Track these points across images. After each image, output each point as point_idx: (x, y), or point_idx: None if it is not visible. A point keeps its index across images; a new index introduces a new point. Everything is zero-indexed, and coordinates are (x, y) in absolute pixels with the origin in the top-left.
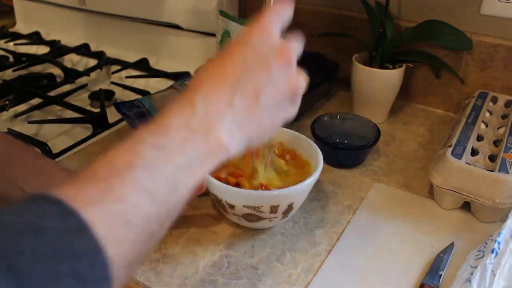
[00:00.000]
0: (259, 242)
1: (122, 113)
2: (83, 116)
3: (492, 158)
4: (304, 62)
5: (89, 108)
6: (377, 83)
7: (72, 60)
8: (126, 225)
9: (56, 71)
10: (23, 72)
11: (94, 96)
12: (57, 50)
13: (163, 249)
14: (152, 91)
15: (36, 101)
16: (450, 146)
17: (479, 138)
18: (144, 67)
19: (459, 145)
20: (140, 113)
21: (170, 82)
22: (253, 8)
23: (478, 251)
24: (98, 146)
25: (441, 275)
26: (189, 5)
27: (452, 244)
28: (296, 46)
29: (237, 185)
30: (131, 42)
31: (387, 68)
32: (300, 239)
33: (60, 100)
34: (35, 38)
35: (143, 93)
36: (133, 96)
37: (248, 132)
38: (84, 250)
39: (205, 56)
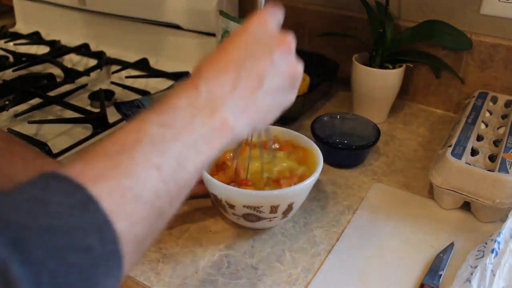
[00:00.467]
0: (259, 242)
1: (122, 113)
2: (83, 116)
3: (492, 158)
4: (304, 62)
5: (89, 108)
6: (377, 83)
7: (72, 60)
8: (135, 200)
9: (56, 71)
10: (23, 72)
11: (94, 96)
12: (57, 50)
13: (163, 249)
14: (152, 91)
15: (36, 101)
16: (450, 146)
17: (479, 138)
18: (144, 67)
19: (459, 145)
20: (140, 113)
21: (170, 82)
22: (253, 8)
23: (478, 251)
24: None
25: (441, 275)
26: (189, 5)
27: (452, 244)
28: (293, 38)
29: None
30: (131, 42)
31: (387, 68)
32: (300, 239)
33: (60, 100)
34: (35, 38)
35: (143, 93)
36: (133, 96)
37: (252, 115)
38: (92, 224)
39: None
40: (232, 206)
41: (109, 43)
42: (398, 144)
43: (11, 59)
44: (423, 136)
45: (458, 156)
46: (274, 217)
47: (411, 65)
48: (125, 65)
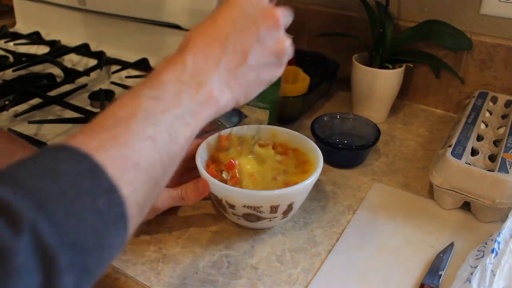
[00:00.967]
0: (259, 242)
1: None
2: (83, 116)
3: (492, 158)
4: (304, 62)
5: (89, 108)
6: (377, 83)
7: (72, 60)
8: (134, 167)
9: (56, 71)
10: (23, 72)
11: (94, 96)
12: (57, 50)
13: (163, 249)
14: None
15: (36, 101)
16: (450, 146)
17: (479, 138)
18: (144, 67)
19: (459, 145)
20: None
21: None
22: None
23: (478, 251)
24: None
25: (441, 275)
26: (189, 5)
27: (452, 244)
28: (284, 13)
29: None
30: (131, 42)
31: (387, 68)
32: (300, 239)
33: (60, 100)
34: (35, 38)
35: None
36: None
37: (236, 89)
38: (100, 189)
39: None
40: (232, 206)
41: (109, 43)
42: (398, 144)
43: (11, 59)
44: (423, 136)
45: (458, 156)
46: (274, 217)
47: (411, 65)
48: (125, 65)
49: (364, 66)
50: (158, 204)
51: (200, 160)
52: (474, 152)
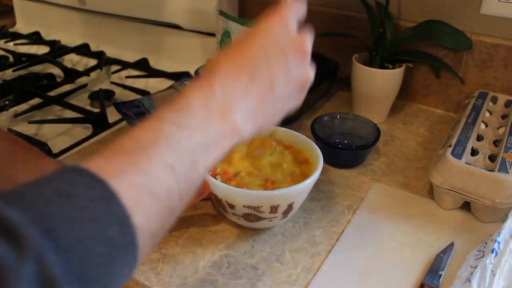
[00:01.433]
0: (259, 242)
1: (122, 113)
2: (83, 116)
3: (492, 158)
4: None
5: (89, 108)
6: (377, 83)
7: (72, 60)
8: (150, 196)
9: (56, 71)
10: (23, 72)
11: (94, 96)
12: (57, 50)
13: (163, 249)
14: (152, 91)
15: (36, 101)
16: (450, 146)
17: (479, 138)
18: (144, 67)
19: (459, 145)
20: (140, 113)
21: (170, 82)
22: (253, 8)
23: (478, 251)
24: (98, 146)
25: (441, 275)
26: (189, 5)
27: (452, 244)
28: (310, 40)
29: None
30: (131, 42)
31: (387, 68)
32: (300, 239)
33: (60, 100)
34: (35, 38)
35: (143, 93)
36: (133, 96)
37: (260, 118)
38: (113, 217)
39: (205, 56)
40: (232, 206)
41: (109, 43)
42: (398, 144)
43: (11, 59)
44: (423, 136)
45: (458, 156)
46: (274, 217)
47: (411, 65)
48: (125, 65)
49: (364, 66)
50: None
51: None
52: (474, 152)
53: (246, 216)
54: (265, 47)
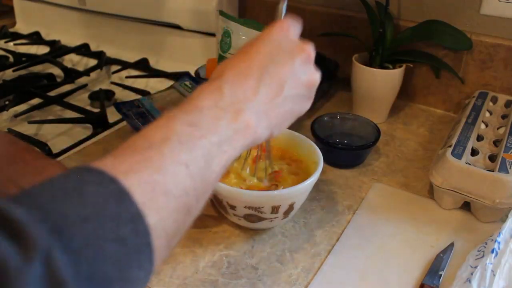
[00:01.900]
0: (259, 242)
1: (122, 113)
2: (83, 116)
3: (492, 158)
4: None
5: (89, 108)
6: (377, 83)
7: (72, 60)
8: (165, 194)
9: (56, 71)
10: (23, 72)
11: (94, 96)
12: (57, 50)
13: None
14: (152, 91)
15: (36, 101)
16: (450, 146)
17: (479, 138)
18: (144, 67)
19: (459, 145)
20: (140, 113)
21: (170, 82)
22: (253, 8)
23: (478, 251)
24: (98, 146)
25: (441, 275)
26: (189, 5)
27: (452, 244)
28: (312, 47)
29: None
30: (131, 42)
31: (387, 68)
32: (300, 239)
33: (60, 100)
34: (35, 38)
35: (143, 93)
36: (133, 96)
37: (272, 119)
38: (126, 215)
39: (205, 56)
40: (233, 207)
41: (109, 43)
42: (398, 144)
43: (11, 59)
44: (423, 136)
45: (458, 156)
46: (275, 218)
47: (411, 65)
48: (125, 65)
49: (364, 66)
50: None
51: None
52: (474, 152)
53: (247, 217)
54: (271, 52)
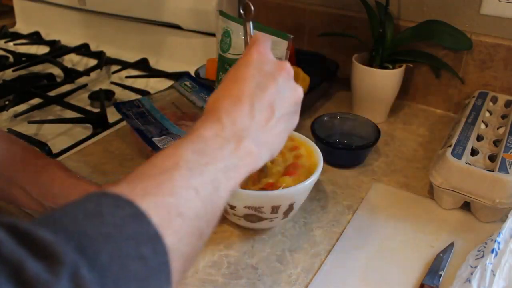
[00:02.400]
0: (259, 242)
1: (122, 113)
2: (83, 116)
3: (492, 158)
4: (304, 62)
5: (89, 108)
6: (377, 83)
7: (72, 60)
8: (179, 216)
9: (56, 71)
10: (23, 72)
11: (94, 96)
12: (57, 50)
13: None
14: (152, 91)
15: (36, 101)
16: (450, 146)
17: (479, 138)
18: (144, 67)
19: (459, 145)
20: (140, 113)
21: (170, 82)
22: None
23: (478, 251)
24: (98, 146)
25: (441, 275)
26: (189, 5)
27: (452, 244)
28: (289, 64)
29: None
30: (131, 42)
31: (387, 68)
32: (300, 239)
33: (60, 100)
34: (35, 38)
35: (143, 93)
36: (133, 96)
37: (270, 142)
38: (145, 235)
39: (205, 56)
40: (233, 207)
41: (109, 43)
42: (398, 144)
43: (11, 59)
44: (423, 136)
45: (458, 156)
46: (275, 217)
47: (411, 65)
48: (125, 65)
49: (364, 66)
50: None
51: None
52: (474, 152)
53: (247, 217)
54: (254, 76)
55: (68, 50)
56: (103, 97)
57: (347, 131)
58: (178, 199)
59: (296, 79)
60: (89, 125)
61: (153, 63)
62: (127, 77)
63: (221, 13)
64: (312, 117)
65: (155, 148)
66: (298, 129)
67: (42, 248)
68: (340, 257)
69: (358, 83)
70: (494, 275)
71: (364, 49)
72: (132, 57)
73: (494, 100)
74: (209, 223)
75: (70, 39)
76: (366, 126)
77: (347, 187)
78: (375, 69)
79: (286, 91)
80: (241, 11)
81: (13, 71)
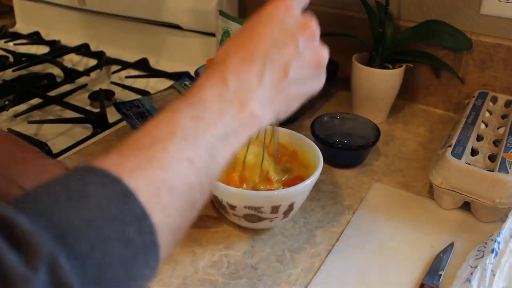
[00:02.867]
0: (259, 242)
1: (122, 113)
2: (83, 116)
3: (492, 158)
4: None
5: (89, 108)
6: (377, 83)
7: (72, 60)
8: (170, 191)
9: (56, 71)
10: (23, 72)
11: (94, 96)
12: (57, 50)
13: None
14: (152, 91)
15: (36, 101)
16: (450, 146)
17: (479, 138)
18: (144, 67)
19: (459, 145)
20: (140, 113)
21: (170, 82)
22: (253, 8)
23: (478, 251)
24: (98, 146)
25: (441, 275)
26: (189, 5)
27: (452, 244)
28: (316, 21)
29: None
30: (131, 42)
31: (387, 68)
32: (300, 239)
33: (60, 100)
34: (35, 38)
35: (143, 93)
36: (133, 96)
37: (277, 104)
38: (130, 216)
39: (205, 56)
40: (233, 207)
41: (109, 43)
42: (398, 144)
43: (11, 59)
44: (423, 136)
45: (458, 156)
46: (275, 217)
47: (411, 65)
48: (125, 65)
49: (364, 66)
50: None
51: None
52: (474, 152)
53: (247, 217)
54: (273, 33)
55: (68, 50)
56: (103, 97)
57: (347, 131)
58: (169, 173)
59: None
60: (89, 125)
61: (153, 63)
62: (127, 77)
63: (221, 13)
64: (312, 117)
65: None
66: (298, 129)
67: (21, 238)
68: (340, 257)
69: (358, 83)
70: (494, 275)
71: (364, 49)
72: (132, 57)
73: (494, 100)
74: (203, 192)
75: (70, 39)
76: (366, 126)
77: (347, 187)
78: (375, 69)
79: (307, 53)
80: None
81: (13, 71)
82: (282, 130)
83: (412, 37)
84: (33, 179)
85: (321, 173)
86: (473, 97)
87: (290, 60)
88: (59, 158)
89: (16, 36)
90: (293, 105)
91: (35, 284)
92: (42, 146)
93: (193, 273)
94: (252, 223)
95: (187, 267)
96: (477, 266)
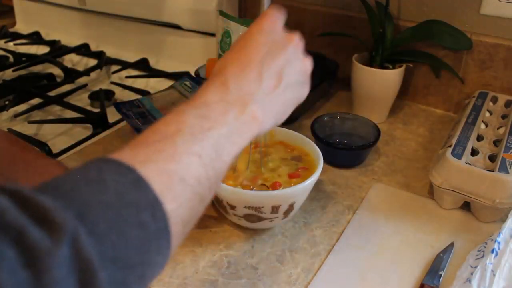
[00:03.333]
0: (259, 242)
1: (122, 113)
2: (83, 116)
3: (492, 158)
4: None
5: (89, 108)
6: (377, 83)
7: (72, 60)
8: (180, 183)
9: (56, 71)
10: (23, 72)
11: (94, 96)
12: (57, 50)
13: None
14: (152, 91)
15: (36, 101)
16: (450, 146)
17: (479, 138)
18: (144, 67)
19: (459, 145)
20: (140, 113)
21: (170, 82)
22: (253, 8)
23: (478, 251)
24: (98, 146)
25: (441, 275)
26: (189, 5)
27: (452, 244)
28: (299, 36)
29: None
30: (131, 42)
31: (387, 68)
32: (300, 239)
33: (60, 100)
34: (35, 38)
35: (143, 93)
36: (133, 96)
37: (275, 109)
38: (145, 202)
39: (205, 56)
40: (233, 207)
41: (109, 43)
42: (398, 144)
43: (11, 59)
44: (423, 136)
45: (458, 156)
46: (275, 217)
47: (411, 65)
48: (125, 65)
49: (364, 66)
50: None
51: None
52: (474, 152)
53: (247, 217)
54: (266, 43)
55: (68, 50)
56: (103, 97)
57: (347, 131)
58: (179, 165)
59: None
60: (89, 125)
61: (153, 63)
62: (127, 77)
63: (221, 13)
64: (312, 117)
65: None
66: (298, 129)
67: (44, 215)
68: (340, 257)
69: (358, 83)
70: (494, 275)
71: (364, 49)
72: (132, 57)
73: (494, 100)
74: (211, 188)
75: (70, 39)
76: (366, 126)
77: (347, 187)
78: (375, 69)
79: (295, 61)
80: None
81: (13, 71)
82: (282, 130)
83: (412, 37)
84: (33, 179)
85: (321, 173)
86: (473, 97)
87: (283, 66)
88: (59, 158)
89: (16, 36)
90: (288, 110)
91: (58, 257)
92: (42, 146)
93: (193, 273)
94: (252, 223)
95: (187, 267)
96: (477, 266)
